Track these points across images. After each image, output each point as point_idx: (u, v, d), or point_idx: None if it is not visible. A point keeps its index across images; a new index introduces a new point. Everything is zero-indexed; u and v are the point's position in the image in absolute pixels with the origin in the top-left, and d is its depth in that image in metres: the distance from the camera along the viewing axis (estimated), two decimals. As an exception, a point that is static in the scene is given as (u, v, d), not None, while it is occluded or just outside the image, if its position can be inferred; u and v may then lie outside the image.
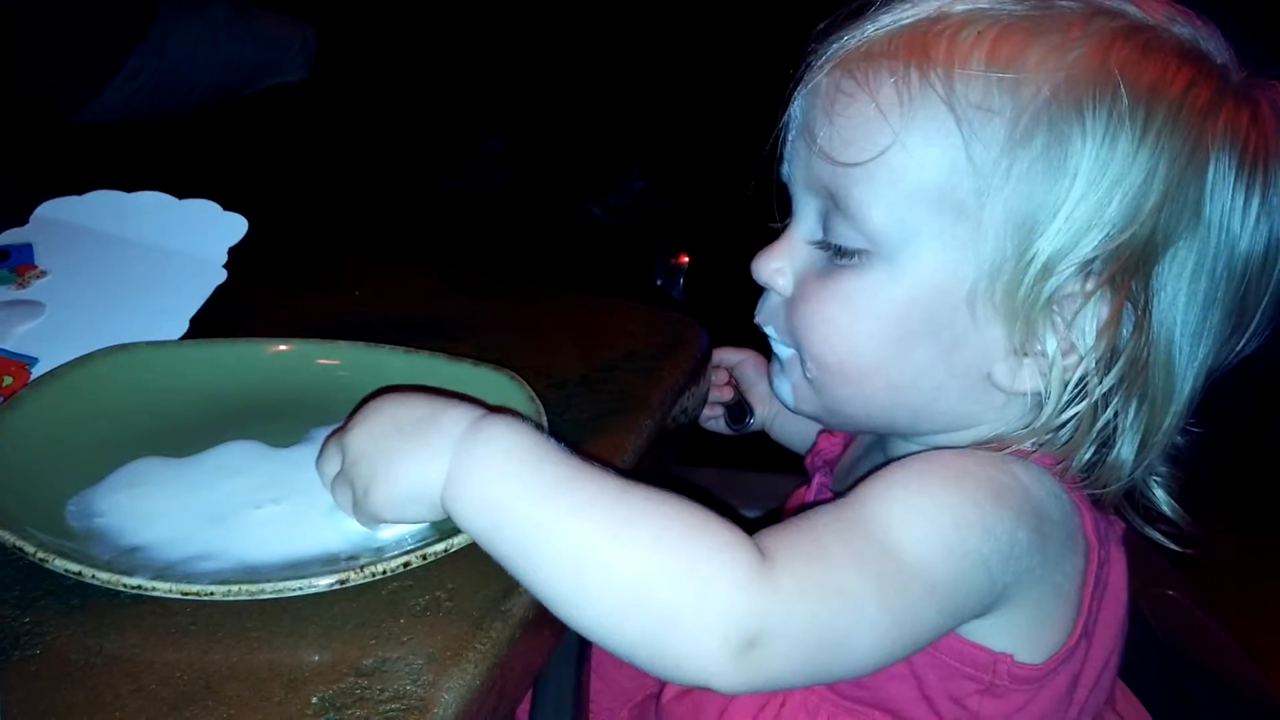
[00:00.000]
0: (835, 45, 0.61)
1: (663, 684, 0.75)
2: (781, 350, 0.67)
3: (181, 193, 0.88)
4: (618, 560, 0.50)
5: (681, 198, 2.92)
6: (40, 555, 0.53)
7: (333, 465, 0.58)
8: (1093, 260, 0.56)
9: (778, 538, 0.52)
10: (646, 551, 0.50)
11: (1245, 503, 1.84)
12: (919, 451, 0.61)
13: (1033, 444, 0.60)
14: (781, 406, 0.93)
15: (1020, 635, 0.59)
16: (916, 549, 0.53)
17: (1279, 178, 0.57)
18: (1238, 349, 0.60)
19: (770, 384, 0.70)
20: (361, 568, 0.53)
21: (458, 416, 0.55)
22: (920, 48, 0.57)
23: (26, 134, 1.91)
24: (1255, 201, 0.57)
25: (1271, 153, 0.57)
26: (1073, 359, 0.58)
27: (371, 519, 0.56)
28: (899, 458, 0.60)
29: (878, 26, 0.60)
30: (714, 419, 0.94)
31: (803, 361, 0.64)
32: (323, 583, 0.53)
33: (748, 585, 0.49)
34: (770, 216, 0.68)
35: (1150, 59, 0.56)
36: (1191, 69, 0.56)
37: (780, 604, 0.50)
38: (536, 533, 0.51)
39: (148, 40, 2.00)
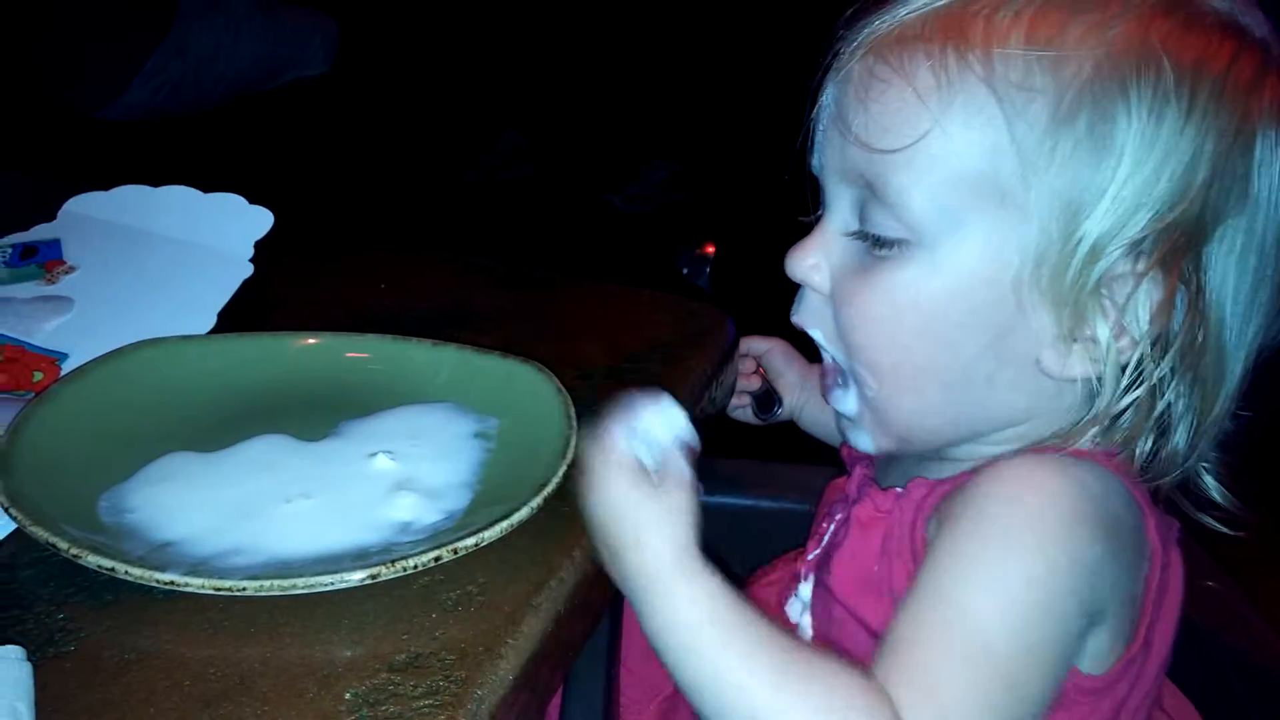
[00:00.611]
0: (865, 31, 0.60)
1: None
2: (848, 404, 0.65)
3: (207, 187, 0.88)
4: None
5: (703, 186, 2.90)
6: (73, 552, 0.53)
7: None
8: (1142, 241, 0.54)
9: (900, 681, 0.52)
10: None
11: None
12: (977, 457, 0.61)
13: (1094, 435, 0.59)
14: (810, 395, 0.93)
15: (1087, 647, 0.57)
16: (1010, 637, 0.53)
17: None
18: None
19: (846, 440, 0.68)
20: (393, 562, 0.53)
21: (659, 552, 0.55)
22: (956, 29, 0.56)
23: (53, 131, 1.92)
24: None
25: None
26: (1125, 342, 0.57)
27: None
28: (957, 458, 0.60)
29: (909, 9, 0.58)
30: (742, 408, 0.94)
31: (860, 380, 0.63)
32: (355, 577, 0.53)
33: None
34: (796, 202, 0.67)
35: (1192, 34, 0.54)
36: (1233, 43, 0.55)
37: None
38: (714, 675, 0.52)
39: (170, 38, 2.01)
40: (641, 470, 0.56)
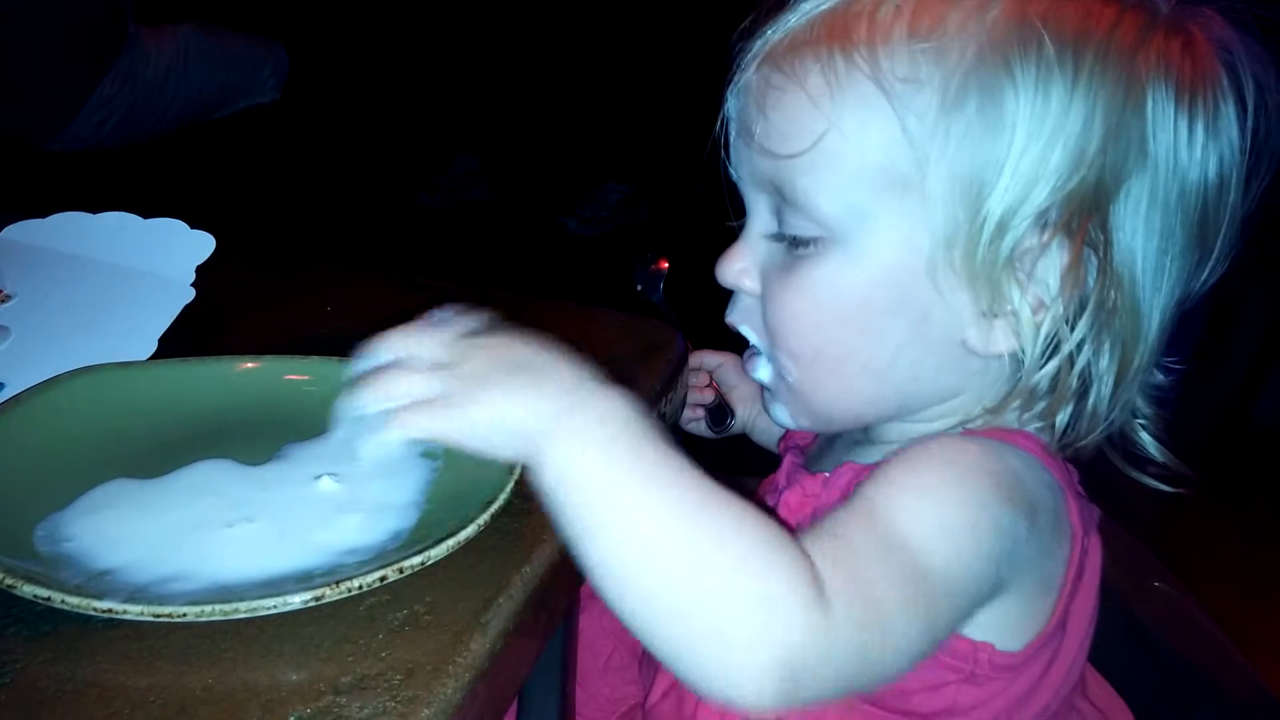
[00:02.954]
0: (760, 41, 0.62)
1: (647, 691, 0.74)
2: (763, 372, 0.67)
3: (157, 216, 0.87)
4: (690, 559, 0.49)
5: (656, 207, 2.92)
6: (8, 581, 0.52)
7: (429, 351, 0.56)
8: (1046, 210, 0.56)
9: (826, 559, 0.51)
10: (723, 559, 0.49)
11: (1229, 493, 1.85)
12: (908, 438, 0.61)
13: (1018, 407, 0.60)
14: (762, 408, 0.93)
15: (1002, 624, 0.59)
16: (928, 547, 0.53)
17: (1219, 104, 0.57)
18: (1203, 279, 0.60)
19: (767, 413, 0.70)
20: (337, 583, 0.52)
21: (576, 370, 0.54)
22: (841, 31, 0.58)
23: (-2, 164, 1.90)
24: (1199, 130, 0.57)
25: (1209, 80, 0.57)
26: (1043, 313, 0.58)
27: (435, 430, 0.54)
28: (888, 440, 0.61)
29: (798, 16, 0.60)
30: (695, 421, 0.94)
31: (781, 366, 0.64)
32: (298, 600, 0.52)
33: (808, 618, 0.48)
34: (734, 213, 0.68)
35: (1069, 4, 0.56)
36: (1114, 7, 0.57)
37: (833, 639, 0.49)
38: (616, 503, 0.51)
39: (118, 67, 1.99)
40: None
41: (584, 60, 2.83)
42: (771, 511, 0.56)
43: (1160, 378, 0.62)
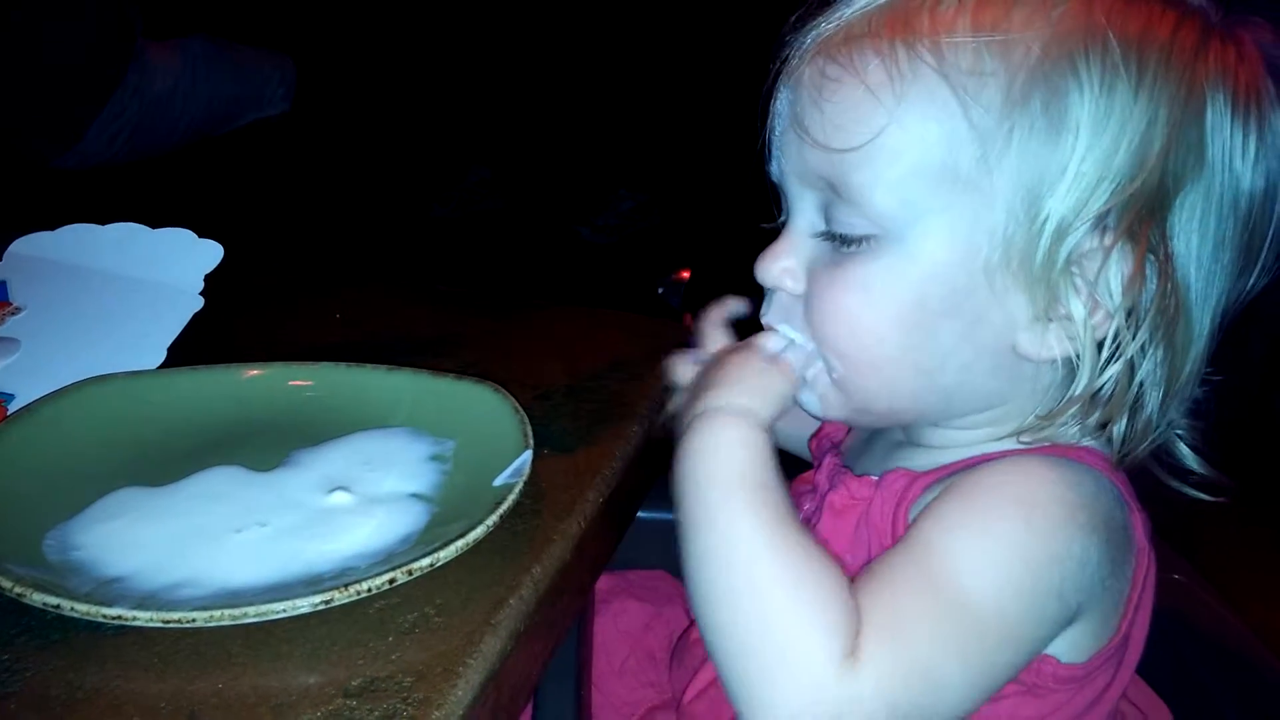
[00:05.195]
0: (812, 34, 0.60)
1: (682, 690, 0.74)
2: (799, 358, 0.64)
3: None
4: (759, 588, 0.53)
5: (670, 214, 2.91)
6: (17, 590, 0.52)
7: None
8: (1106, 214, 0.55)
9: (872, 615, 0.52)
10: (781, 600, 0.52)
11: (1250, 487, 1.83)
12: (953, 444, 0.61)
13: (1075, 414, 0.59)
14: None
15: (1069, 640, 0.57)
16: (988, 597, 0.52)
17: (1272, 113, 0.57)
18: (1247, 288, 0.59)
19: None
20: (346, 586, 0.52)
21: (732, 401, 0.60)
22: (902, 23, 0.56)
23: (8, 180, 1.91)
24: (1253, 139, 0.56)
25: (1262, 89, 0.57)
26: (1100, 317, 0.57)
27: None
28: (933, 445, 0.60)
29: (853, 9, 0.59)
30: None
31: (827, 362, 0.63)
32: (307, 604, 0.52)
33: (832, 679, 0.50)
34: (763, 218, 0.66)
35: (1134, 7, 0.55)
36: (1174, 12, 0.56)
37: (857, 696, 0.50)
38: (729, 523, 0.55)
39: (128, 82, 2.00)
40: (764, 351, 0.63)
41: (595, 69, 2.83)
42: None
43: (1198, 391, 0.61)
